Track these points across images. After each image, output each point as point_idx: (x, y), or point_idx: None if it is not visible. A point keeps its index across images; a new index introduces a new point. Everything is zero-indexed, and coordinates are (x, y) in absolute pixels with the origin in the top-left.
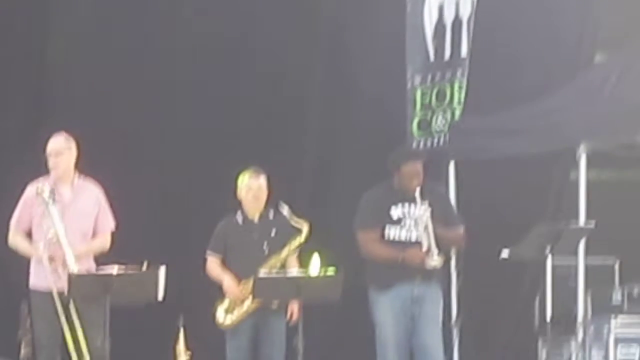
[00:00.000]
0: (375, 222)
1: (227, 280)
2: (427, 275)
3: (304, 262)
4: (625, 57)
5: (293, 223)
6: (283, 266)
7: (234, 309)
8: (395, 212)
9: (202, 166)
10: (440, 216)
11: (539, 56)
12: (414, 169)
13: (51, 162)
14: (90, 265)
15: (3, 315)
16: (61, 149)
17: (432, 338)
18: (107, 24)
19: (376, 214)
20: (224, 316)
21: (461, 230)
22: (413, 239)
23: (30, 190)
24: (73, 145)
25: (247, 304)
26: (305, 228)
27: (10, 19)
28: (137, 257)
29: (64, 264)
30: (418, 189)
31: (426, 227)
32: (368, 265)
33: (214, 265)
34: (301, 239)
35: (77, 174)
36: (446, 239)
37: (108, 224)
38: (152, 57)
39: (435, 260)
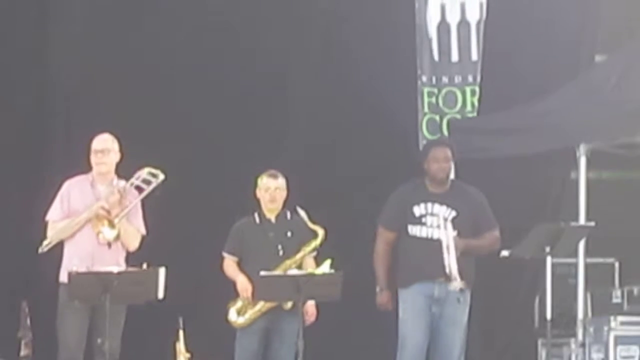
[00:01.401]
0: (395, 223)
1: (242, 281)
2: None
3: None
4: (625, 57)
5: (310, 225)
6: (299, 268)
7: (246, 309)
8: (418, 210)
9: (205, 166)
10: (468, 222)
11: (540, 56)
12: (443, 153)
13: (97, 159)
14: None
15: (3, 315)
16: (109, 147)
17: (452, 339)
18: (108, 24)
19: (398, 214)
20: (236, 315)
21: (495, 233)
22: (435, 237)
23: (70, 185)
24: (117, 146)
25: (261, 304)
26: (321, 232)
27: (10, 19)
28: (139, 257)
29: (110, 222)
30: (447, 184)
31: (448, 248)
32: (397, 267)
33: (230, 265)
34: (317, 242)
35: (115, 175)
36: (477, 247)
37: (138, 224)
38: (152, 56)
39: (457, 283)
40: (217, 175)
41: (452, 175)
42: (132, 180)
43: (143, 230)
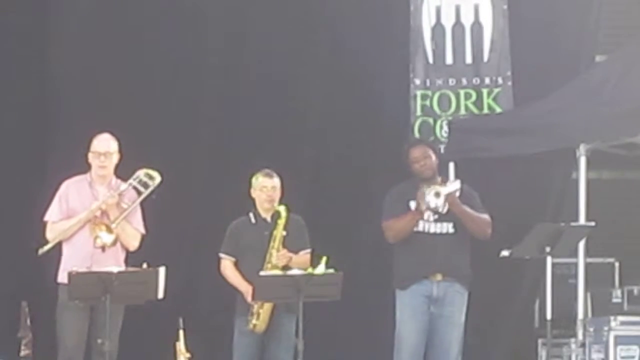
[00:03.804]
0: (398, 212)
1: (248, 289)
2: (450, 275)
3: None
4: (625, 57)
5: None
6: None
7: (259, 312)
8: (414, 204)
9: (203, 166)
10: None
11: (540, 57)
12: (419, 151)
13: (100, 162)
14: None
15: (3, 315)
16: (112, 150)
17: (450, 340)
18: (108, 24)
19: (398, 206)
20: (254, 323)
21: (486, 216)
22: (432, 231)
23: (68, 185)
24: (117, 147)
25: (268, 305)
26: (283, 210)
27: (10, 18)
28: (139, 257)
29: (108, 227)
30: (436, 180)
31: (438, 194)
32: (393, 266)
33: (228, 268)
34: (282, 221)
35: (114, 176)
36: (468, 213)
37: (137, 223)
38: (153, 56)
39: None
40: (218, 176)
41: (451, 176)
42: (130, 181)
43: (142, 230)
